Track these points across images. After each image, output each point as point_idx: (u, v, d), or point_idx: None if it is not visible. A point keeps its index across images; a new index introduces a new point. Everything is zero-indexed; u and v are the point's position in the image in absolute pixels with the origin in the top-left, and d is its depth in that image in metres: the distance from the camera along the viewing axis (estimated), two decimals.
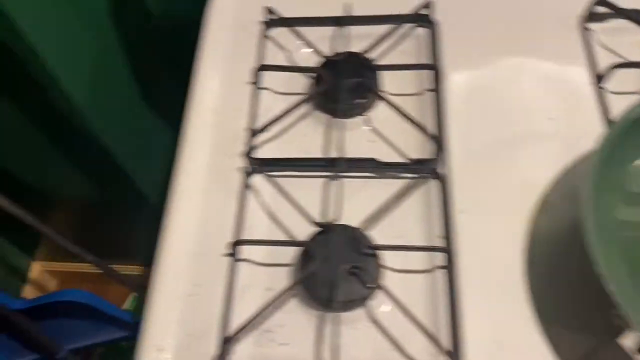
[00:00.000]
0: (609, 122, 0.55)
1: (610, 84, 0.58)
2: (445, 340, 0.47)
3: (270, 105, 0.61)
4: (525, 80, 0.60)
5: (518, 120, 0.57)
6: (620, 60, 0.58)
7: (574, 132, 0.56)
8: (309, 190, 0.55)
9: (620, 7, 0.60)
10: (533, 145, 0.56)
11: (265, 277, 0.52)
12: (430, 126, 0.57)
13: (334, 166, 0.55)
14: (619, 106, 0.55)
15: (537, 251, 0.49)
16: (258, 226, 0.54)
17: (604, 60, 0.59)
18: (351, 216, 0.52)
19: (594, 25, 0.62)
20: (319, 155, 0.57)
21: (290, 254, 0.52)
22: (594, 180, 0.42)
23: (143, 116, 0.97)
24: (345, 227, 0.51)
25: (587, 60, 0.60)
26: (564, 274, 0.49)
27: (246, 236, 0.53)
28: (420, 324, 0.46)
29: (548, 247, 0.50)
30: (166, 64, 0.93)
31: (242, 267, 0.52)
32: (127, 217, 1.11)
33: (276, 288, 0.50)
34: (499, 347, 0.46)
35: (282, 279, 0.51)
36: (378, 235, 0.52)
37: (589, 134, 0.54)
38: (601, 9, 0.62)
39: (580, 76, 0.59)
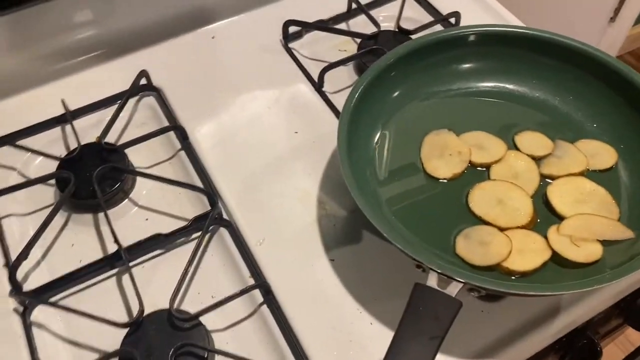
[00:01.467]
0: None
1: (328, 86, 0.65)
2: None
3: (23, 230, 0.55)
4: (260, 110, 0.63)
5: (270, 145, 0.61)
6: (326, 64, 0.65)
7: (318, 135, 0.61)
8: (103, 297, 0.51)
9: (307, 22, 0.68)
10: (292, 159, 0.59)
11: None
12: (197, 182, 0.57)
13: (117, 260, 0.52)
14: (341, 100, 0.62)
15: (334, 245, 0.53)
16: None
17: (315, 69, 0.66)
18: (159, 300, 0.49)
19: (294, 44, 0.70)
20: (99, 257, 0.53)
21: None
22: (347, 162, 0.46)
23: None
24: (155, 314, 0.48)
25: (302, 73, 0.67)
26: (364, 254, 0.52)
27: None
28: None
29: (342, 238, 0.53)
30: None
31: None
32: None
33: None
34: (342, 344, 0.47)
35: None
36: (193, 305, 0.50)
37: (328, 132, 0.60)
38: (294, 28, 0.69)
39: (303, 88, 0.65)
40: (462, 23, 0.69)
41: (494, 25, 0.56)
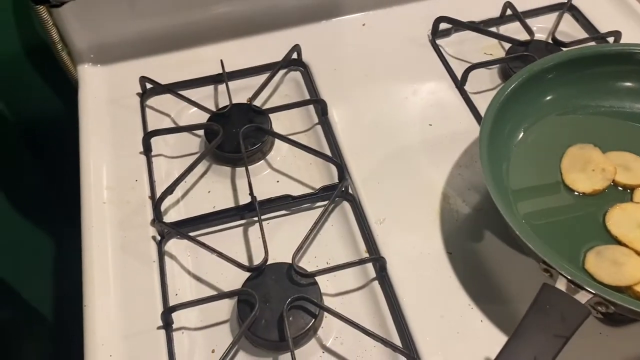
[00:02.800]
0: (479, 116, 0.61)
1: (470, 86, 0.65)
2: (399, 343, 0.47)
3: (168, 170, 0.60)
4: (398, 99, 0.65)
5: (403, 133, 0.62)
6: (470, 64, 0.65)
7: (452, 131, 0.61)
8: (229, 242, 0.54)
9: (460, 20, 0.69)
10: (422, 150, 0.60)
11: (206, 340, 0.49)
12: (329, 154, 0.60)
13: (249, 211, 0.55)
14: (480, 101, 0.63)
15: (453, 239, 0.53)
16: (186, 291, 0.52)
17: (459, 68, 0.66)
18: (279, 254, 0.52)
19: (441, 41, 0.71)
20: (232, 205, 0.57)
21: (225, 309, 0.50)
22: (487, 156, 0.47)
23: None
24: (276, 265, 0.51)
25: (446, 70, 0.67)
26: (483, 254, 0.52)
27: (175, 303, 0.50)
28: (373, 332, 0.46)
29: (462, 234, 0.53)
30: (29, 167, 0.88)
31: (180, 337, 0.49)
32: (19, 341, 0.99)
33: (222, 347, 0.48)
34: (449, 334, 0.48)
35: (224, 336, 0.49)
36: (309, 265, 0.52)
37: (463, 131, 0.60)
38: (444, 25, 0.70)
39: (444, 85, 0.66)
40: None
41: None
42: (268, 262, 0.51)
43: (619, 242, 0.47)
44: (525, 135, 0.54)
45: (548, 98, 0.54)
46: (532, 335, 0.36)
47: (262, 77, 0.65)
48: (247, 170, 0.56)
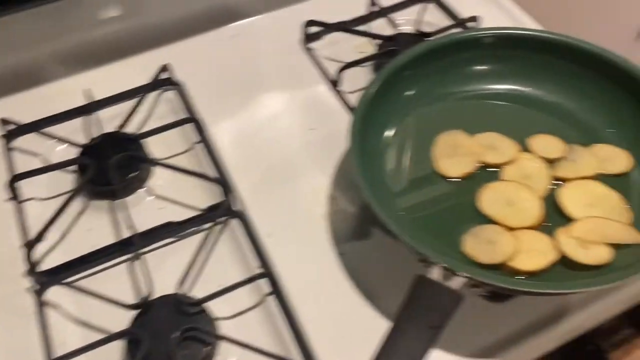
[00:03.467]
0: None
1: (346, 86, 0.66)
2: (298, 358, 0.47)
3: (43, 214, 0.56)
4: (277, 108, 0.65)
5: (286, 141, 0.61)
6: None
7: (333, 133, 0.62)
8: (114, 281, 0.52)
9: (327, 22, 0.69)
10: (306, 155, 0.60)
11: None
12: (211, 173, 0.59)
13: (129, 246, 0.53)
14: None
15: (344, 240, 0.53)
16: (71, 340, 0.49)
17: (334, 69, 0.67)
18: (168, 286, 0.50)
19: (314, 45, 0.71)
20: (113, 242, 0.54)
21: (115, 352, 0.48)
22: (359, 157, 0.47)
23: None
24: (163, 298, 0.49)
25: (321, 73, 0.68)
26: (373, 250, 0.53)
27: (62, 354, 0.47)
28: (270, 352, 0.46)
29: (352, 234, 0.54)
30: None
31: None
32: None
33: None
34: (346, 337, 0.48)
35: None
36: (201, 292, 0.50)
37: (344, 131, 0.60)
38: (314, 29, 0.70)
39: (321, 88, 0.66)
40: (482, 27, 0.69)
41: (510, 27, 0.56)
42: (156, 296, 0.49)
43: (493, 222, 0.49)
44: (397, 131, 0.55)
45: (412, 92, 0.56)
46: (408, 329, 0.36)
47: (133, 103, 0.63)
48: (123, 202, 0.53)
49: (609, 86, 0.54)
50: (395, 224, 0.43)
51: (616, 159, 0.52)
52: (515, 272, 0.46)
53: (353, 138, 0.48)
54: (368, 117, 0.50)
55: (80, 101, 0.63)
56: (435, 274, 0.41)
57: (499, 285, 0.40)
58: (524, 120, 0.56)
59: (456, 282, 0.40)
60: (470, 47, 0.55)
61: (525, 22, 0.71)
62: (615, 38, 1.65)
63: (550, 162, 0.53)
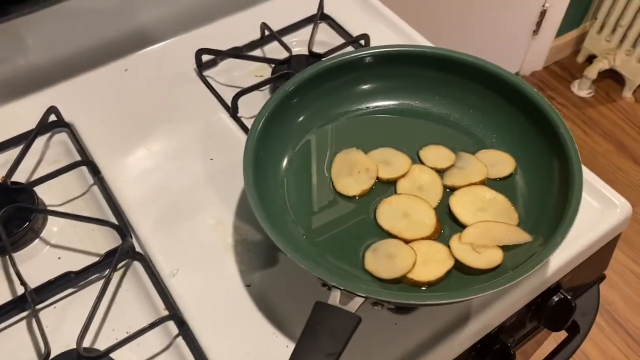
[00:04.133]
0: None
1: (244, 111, 0.66)
2: None
3: None
4: (174, 140, 0.63)
5: (186, 174, 0.60)
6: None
7: (234, 161, 0.61)
8: (13, 341, 0.49)
9: (219, 50, 0.69)
10: (207, 186, 0.59)
11: None
12: (110, 216, 0.57)
13: (25, 302, 0.50)
14: None
15: (249, 270, 0.53)
16: None
17: (231, 95, 0.66)
18: (71, 341, 0.48)
19: (209, 72, 0.70)
20: (7, 300, 0.51)
21: None
22: (254, 189, 0.47)
23: None
24: (65, 354, 0.47)
25: (218, 101, 0.67)
26: (279, 278, 0.53)
27: None
28: None
29: (257, 263, 0.53)
30: None
31: None
32: None
33: None
34: None
35: None
36: (107, 341, 0.49)
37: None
38: (207, 57, 0.70)
39: (219, 115, 0.66)
40: (372, 44, 0.71)
41: (391, 45, 0.58)
42: (57, 353, 0.46)
43: (391, 235, 0.50)
44: (293, 156, 0.55)
45: (302, 118, 0.56)
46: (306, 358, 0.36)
47: (21, 149, 0.60)
48: (10, 258, 0.51)
49: (488, 95, 0.56)
50: (293, 249, 0.43)
51: (501, 163, 0.54)
52: (416, 284, 0.47)
53: (247, 173, 0.48)
54: (261, 149, 0.51)
55: None
56: (334, 296, 0.41)
57: (397, 301, 0.41)
58: (414, 132, 0.58)
59: (355, 302, 0.41)
60: (354, 68, 0.57)
61: (415, 38, 0.73)
62: (513, 37, 1.73)
63: (441, 171, 0.55)
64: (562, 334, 0.62)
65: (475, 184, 0.53)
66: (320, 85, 0.55)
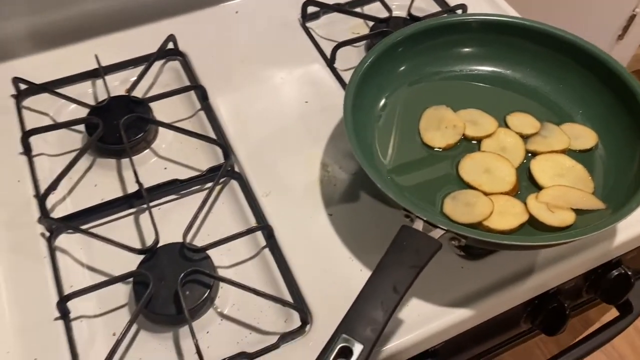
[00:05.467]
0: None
1: (340, 64, 0.70)
2: (291, 300, 0.52)
3: (52, 168, 0.60)
4: (274, 81, 0.69)
5: (282, 112, 0.66)
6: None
7: (326, 106, 0.66)
8: (121, 231, 0.56)
9: (327, 2, 0.73)
10: (300, 126, 0.64)
11: (106, 326, 0.51)
12: (213, 137, 0.63)
13: (137, 199, 0.57)
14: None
15: (333, 202, 0.58)
16: (81, 282, 0.53)
17: (329, 47, 0.71)
18: (172, 237, 0.54)
19: (312, 24, 0.75)
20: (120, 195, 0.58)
21: (122, 293, 0.52)
22: (351, 123, 0.52)
23: None
24: (168, 245, 0.53)
25: (317, 50, 0.72)
26: (360, 212, 0.57)
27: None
28: (264, 292, 0.50)
29: (340, 197, 0.58)
30: None
31: (80, 325, 0.50)
32: None
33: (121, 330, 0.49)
34: (333, 285, 0.52)
35: (124, 319, 0.51)
36: (202, 243, 0.54)
37: (336, 105, 0.65)
38: (313, 9, 0.74)
39: (316, 64, 0.70)
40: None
41: (495, 14, 0.61)
42: (161, 244, 0.53)
43: (470, 187, 0.54)
44: (387, 103, 0.60)
45: (402, 68, 0.60)
46: (391, 268, 0.41)
47: (140, 70, 0.66)
48: (131, 160, 0.57)
49: (580, 71, 0.59)
50: (383, 181, 0.48)
51: (583, 137, 0.57)
52: (490, 231, 0.51)
53: (346, 107, 0.53)
54: (361, 89, 0.55)
55: (90, 65, 0.67)
56: (418, 226, 0.46)
57: (475, 237, 0.45)
58: (503, 100, 0.61)
59: (436, 233, 0.45)
60: (457, 31, 0.60)
61: (507, 11, 0.76)
62: (597, 38, 1.71)
63: (525, 137, 0.58)
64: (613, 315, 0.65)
65: (556, 152, 0.56)
66: (423, 41, 0.59)
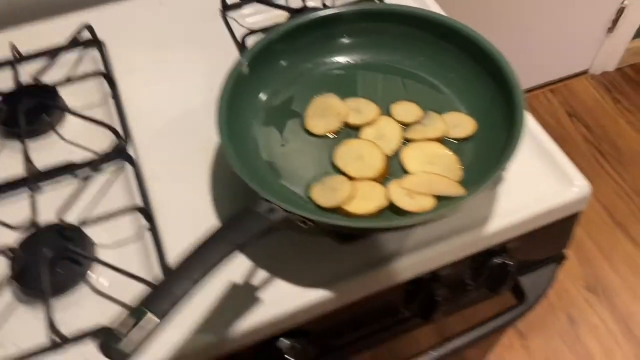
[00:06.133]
0: None
1: None
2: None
3: None
4: (187, 69, 0.71)
5: (188, 98, 0.67)
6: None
7: None
8: (9, 210, 0.58)
9: None
10: (203, 112, 0.66)
11: None
12: (117, 124, 0.65)
13: (32, 181, 0.60)
14: None
15: (220, 185, 0.59)
16: None
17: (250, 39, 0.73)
18: (55, 217, 0.57)
19: (232, 13, 0.77)
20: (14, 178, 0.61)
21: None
22: (226, 115, 0.53)
23: None
24: (49, 226, 0.55)
25: (233, 40, 0.73)
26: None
27: None
28: (137, 276, 0.52)
29: (229, 180, 0.60)
30: None
31: None
32: None
33: None
34: None
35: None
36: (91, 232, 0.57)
37: None
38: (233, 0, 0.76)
39: (229, 54, 0.72)
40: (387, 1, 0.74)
41: (371, 3, 0.62)
42: (43, 225, 0.56)
43: (342, 173, 0.55)
44: (271, 97, 0.61)
45: (285, 63, 0.62)
46: (208, 243, 0.42)
47: (53, 58, 0.69)
48: (35, 145, 0.60)
49: (464, 59, 0.59)
50: (241, 164, 0.49)
51: (462, 126, 0.57)
52: (348, 214, 0.52)
53: (222, 97, 0.54)
54: (241, 83, 0.56)
55: (4, 54, 0.70)
56: (266, 207, 0.47)
57: (308, 217, 0.46)
58: (393, 88, 0.62)
59: (278, 214, 0.46)
60: (335, 23, 0.61)
61: (429, 5, 0.76)
62: (586, 31, 1.68)
63: (407, 125, 0.58)
64: None
65: (431, 139, 0.56)
66: (303, 36, 0.61)
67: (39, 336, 0.51)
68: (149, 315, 0.37)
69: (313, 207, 0.53)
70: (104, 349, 0.36)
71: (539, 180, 0.58)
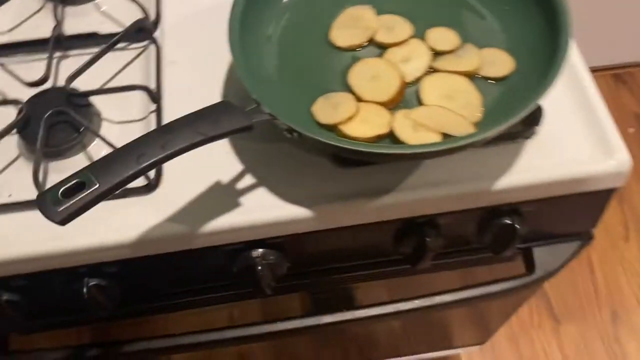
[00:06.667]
0: None
1: None
2: None
3: None
4: None
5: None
6: None
7: None
8: (32, 69, 0.59)
9: None
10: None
11: None
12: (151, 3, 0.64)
13: (55, 43, 0.60)
14: None
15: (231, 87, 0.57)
16: None
17: None
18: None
19: None
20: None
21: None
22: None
23: None
24: (59, 88, 0.56)
25: None
26: None
27: None
28: None
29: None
30: None
31: None
32: None
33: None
34: (200, 170, 0.53)
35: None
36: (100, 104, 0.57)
37: None
38: None
39: None
40: None
41: None
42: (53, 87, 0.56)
43: (351, 91, 0.51)
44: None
45: None
46: (175, 128, 0.40)
47: None
48: (74, 11, 0.61)
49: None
50: (241, 54, 0.47)
51: (499, 64, 0.51)
52: (344, 136, 0.48)
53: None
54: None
55: None
56: (249, 106, 0.44)
57: (290, 126, 0.43)
58: (440, 13, 0.55)
59: (261, 116, 0.43)
60: None
61: None
62: None
63: (440, 53, 0.52)
64: None
65: (460, 73, 0.50)
66: None
67: (33, 191, 0.52)
68: (91, 177, 0.36)
69: (309, 121, 0.49)
70: (40, 204, 0.36)
71: (573, 141, 0.51)
